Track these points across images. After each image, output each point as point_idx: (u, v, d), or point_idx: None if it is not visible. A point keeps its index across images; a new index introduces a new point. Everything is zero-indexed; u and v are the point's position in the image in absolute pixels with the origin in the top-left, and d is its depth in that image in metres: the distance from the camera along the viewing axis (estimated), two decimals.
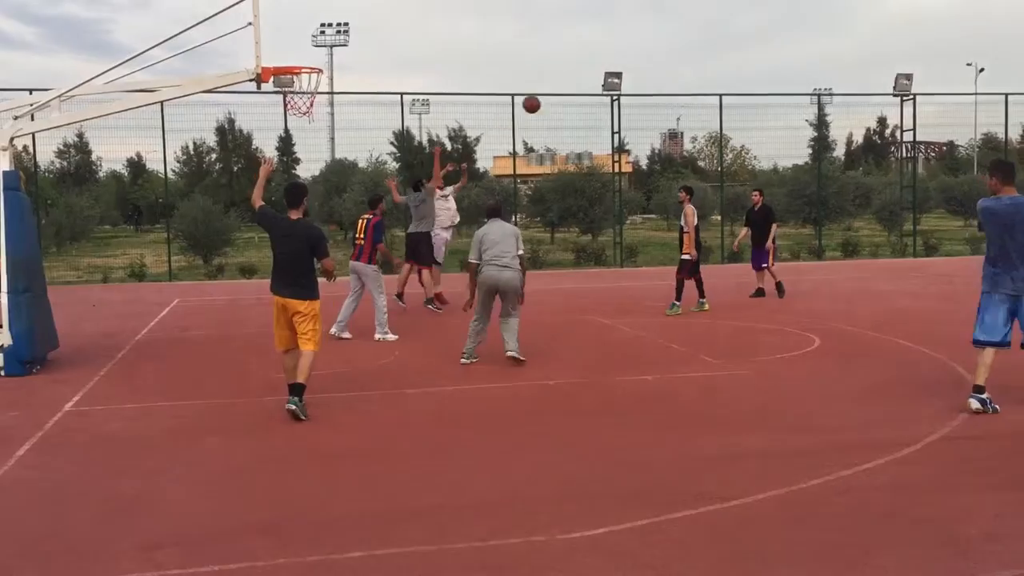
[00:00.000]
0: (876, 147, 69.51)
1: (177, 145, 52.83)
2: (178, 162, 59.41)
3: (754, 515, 4.96)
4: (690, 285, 13.46)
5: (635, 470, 5.85)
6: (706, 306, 13.53)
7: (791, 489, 5.33)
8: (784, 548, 4.49)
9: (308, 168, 38.38)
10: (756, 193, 15.92)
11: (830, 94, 38.66)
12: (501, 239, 9.56)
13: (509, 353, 9.46)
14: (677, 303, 13.22)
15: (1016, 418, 6.94)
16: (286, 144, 31.64)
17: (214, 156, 62.82)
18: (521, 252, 9.65)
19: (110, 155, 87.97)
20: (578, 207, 31.05)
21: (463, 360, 9.63)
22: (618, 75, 24.30)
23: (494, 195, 36.13)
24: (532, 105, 14.60)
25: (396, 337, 11.34)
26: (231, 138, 60.06)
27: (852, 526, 4.74)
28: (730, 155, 56.68)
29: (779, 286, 15.20)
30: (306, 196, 7.93)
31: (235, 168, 61.97)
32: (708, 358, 9.80)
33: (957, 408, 7.17)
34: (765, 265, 15.53)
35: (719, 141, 39.25)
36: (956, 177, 45.30)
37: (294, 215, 7.70)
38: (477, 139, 57.81)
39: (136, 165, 57.68)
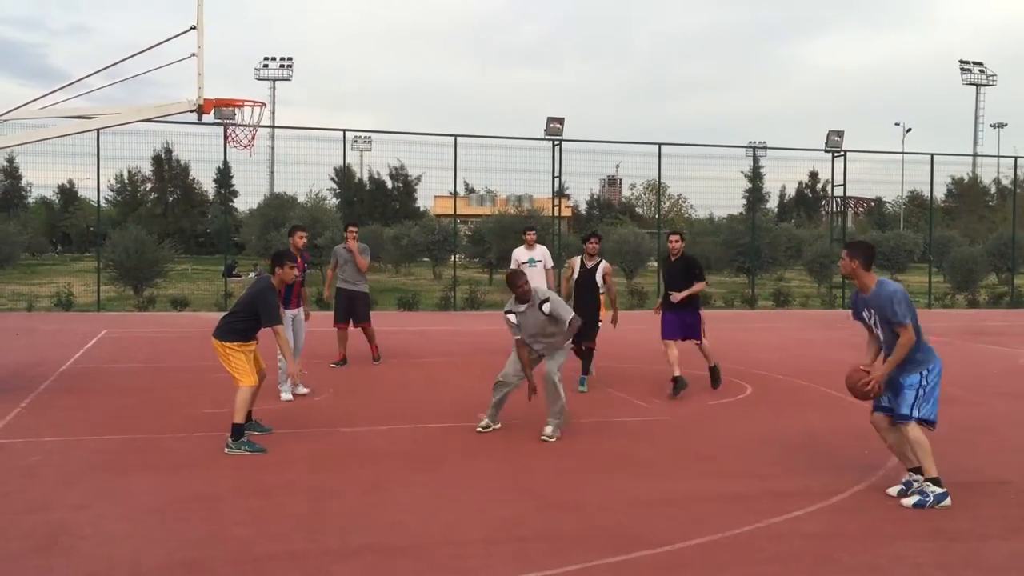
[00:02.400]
0: (807, 200, 71.43)
1: (111, 173, 52.08)
2: (112, 190, 58.54)
3: (686, 561, 4.99)
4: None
5: (566, 513, 5.85)
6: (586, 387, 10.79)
7: (723, 535, 5.38)
8: None
9: (246, 201, 38.00)
10: (674, 238, 11.06)
11: (764, 147, 39.81)
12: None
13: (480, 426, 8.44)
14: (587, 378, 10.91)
15: (941, 468, 7.10)
16: (224, 176, 31.33)
17: (149, 185, 61.93)
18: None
19: (41, 181, 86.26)
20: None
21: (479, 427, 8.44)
22: (560, 120, 24.63)
23: (433, 233, 36.34)
24: None
25: (308, 390, 10.30)
26: (167, 168, 59.34)
27: (784, 572, 4.80)
28: (667, 203, 57.67)
29: (714, 372, 10.73)
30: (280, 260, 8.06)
31: (170, 198, 61.16)
32: (641, 403, 9.88)
33: (884, 456, 7.33)
34: (696, 340, 11.31)
35: (657, 189, 39.95)
36: (883, 232, 46.68)
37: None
38: (418, 178, 58.21)
39: (67, 192, 56.57)
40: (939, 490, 6.12)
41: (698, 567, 4.89)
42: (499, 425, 8.41)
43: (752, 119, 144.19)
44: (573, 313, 8.36)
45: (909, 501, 6.14)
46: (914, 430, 6.22)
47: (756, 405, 9.96)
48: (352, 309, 12.58)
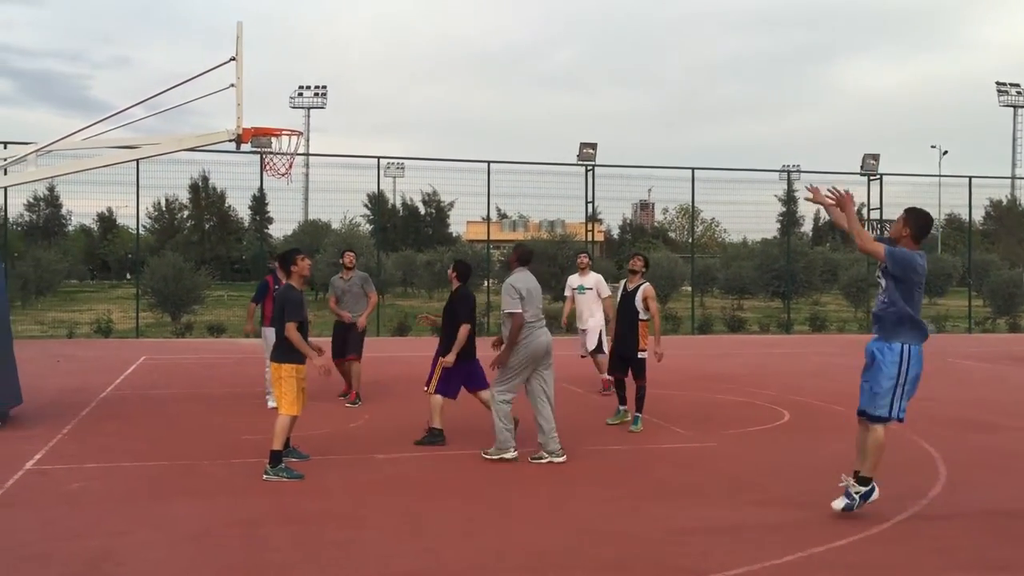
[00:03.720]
0: None
1: (150, 201, 52.88)
2: (149, 218, 59.43)
3: None
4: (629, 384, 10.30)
5: (608, 542, 5.80)
6: (629, 415, 10.11)
7: (764, 565, 5.31)
8: None
9: (281, 228, 38.47)
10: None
11: (799, 171, 39.52)
12: (538, 294, 8.31)
13: (559, 458, 8.12)
14: (626, 409, 10.21)
15: (980, 497, 6.98)
16: (260, 203, 31.68)
17: (186, 213, 62.82)
18: (608, 294, 9.44)
19: (80, 209, 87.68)
20: (550, 274, 31.19)
21: (530, 458, 8.15)
22: (593, 145, 24.73)
23: (465, 258, 36.43)
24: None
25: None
26: (204, 195, 60.19)
27: None
28: (701, 227, 57.49)
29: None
30: (288, 260, 7.95)
31: (207, 225, 61.98)
32: (679, 430, 9.80)
33: (926, 486, 7.22)
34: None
35: (691, 213, 39.84)
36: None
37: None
38: (451, 204, 58.47)
39: (106, 220, 57.53)
40: (864, 488, 6.25)
41: None
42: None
43: (786, 142, 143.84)
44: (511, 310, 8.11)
45: (839, 504, 6.26)
46: (882, 431, 6.29)
47: (795, 432, 9.85)
48: (345, 340, 11.39)
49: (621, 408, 10.32)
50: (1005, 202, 60.34)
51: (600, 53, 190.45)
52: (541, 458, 8.15)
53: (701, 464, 8.21)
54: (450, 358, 8.54)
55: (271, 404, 10.14)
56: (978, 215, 55.22)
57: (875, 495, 6.28)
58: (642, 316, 9.84)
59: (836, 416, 10.87)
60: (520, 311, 8.14)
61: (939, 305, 38.10)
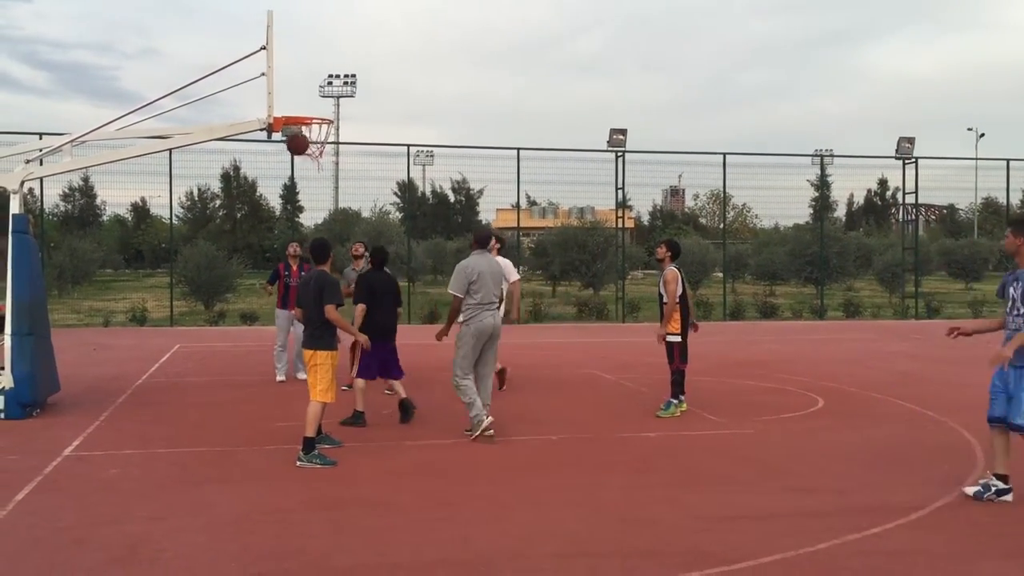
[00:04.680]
0: (877, 209, 70.05)
1: (182, 191, 53.31)
2: (182, 207, 59.92)
3: None
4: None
5: (640, 528, 5.78)
6: (680, 408, 9.85)
7: (799, 552, 5.26)
8: None
9: (312, 216, 38.57)
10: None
11: (831, 155, 39.08)
12: (492, 277, 8.66)
13: (488, 432, 8.37)
14: (675, 401, 9.84)
15: (1021, 483, 6.88)
16: (290, 192, 31.85)
17: (218, 202, 63.29)
18: (517, 278, 8.94)
19: (114, 199, 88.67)
20: (580, 261, 31.16)
21: (487, 433, 8.35)
22: (623, 132, 24.58)
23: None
24: (298, 146, 10.66)
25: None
26: (236, 185, 60.59)
27: None
28: (732, 213, 57.07)
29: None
30: (327, 250, 8.05)
31: (238, 215, 62.44)
32: (711, 416, 9.74)
33: (964, 472, 7.13)
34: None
35: (722, 199, 39.51)
36: (957, 240, 45.51)
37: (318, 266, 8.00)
38: (481, 191, 58.47)
39: (140, 210, 58.12)
40: (1003, 485, 6.38)
41: None
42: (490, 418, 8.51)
43: (818, 127, 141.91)
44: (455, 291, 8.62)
45: (971, 489, 6.43)
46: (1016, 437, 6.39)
47: (829, 418, 9.75)
48: None
49: (679, 398, 9.90)
50: None
51: (629, 39, 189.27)
52: (472, 432, 8.45)
53: (734, 451, 8.16)
54: (362, 339, 8.48)
55: (280, 378, 11.93)
56: (1016, 198, 54.25)
57: (1010, 496, 6.37)
58: (666, 300, 9.79)
59: (870, 403, 10.75)
60: (458, 295, 8.58)
61: (976, 290, 37.57)
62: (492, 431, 8.39)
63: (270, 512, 6.16)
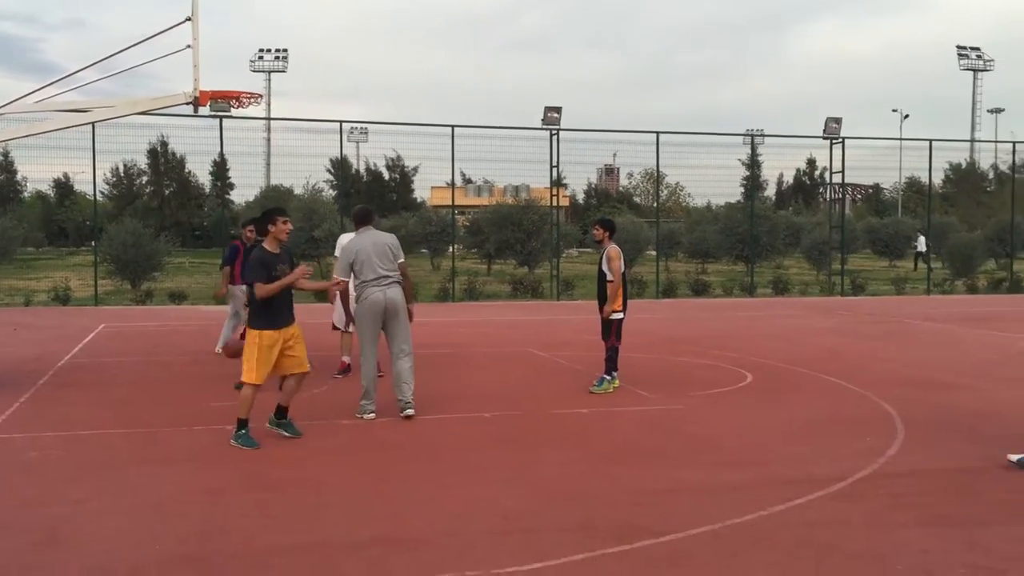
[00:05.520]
0: (805, 187, 71.42)
1: (107, 167, 51.84)
2: (107, 184, 58.37)
3: (690, 550, 4.98)
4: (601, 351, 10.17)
5: (572, 503, 5.84)
6: (613, 384, 9.89)
7: (726, 524, 5.37)
8: None
9: (242, 194, 38.01)
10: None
11: (762, 135, 39.72)
12: (376, 253, 8.33)
13: (406, 412, 8.31)
14: (609, 377, 9.89)
15: (938, 455, 7.12)
16: (220, 169, 31.22)
17: (145, 179, 61.77)
18: (402, 260, 8.50)
19: (36, 175, 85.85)
20: (515, 239, 31.16)
21: (366, 416, 8.31)
22: (557, 109, 24.60)
23: (430, 224, 36.24)
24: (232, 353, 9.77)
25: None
26: (163, 161, 59.21)
27: (787, 561, 4.79)
28: (665, 192, 57.62)
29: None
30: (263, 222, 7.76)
31: (167, 191, 61.04)
32: (644, 392, 9.86)
33: (884, 444, 7.35)
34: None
35: (656, 178, 39.85)
36: (882, 219, 46.71)
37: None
38: (415, 169, 58.19)
39: (63, 186, 56.42)
40: None
41: (702, 556, 4.88)
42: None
43: (750, 107, 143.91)
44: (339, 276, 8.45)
45: (1015, 456, 6.71)
46: None
47: (757, 393, 9.95)
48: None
49: (612, 374, 10.00)
50: (964, 165, 61.18)
51: (567, 18, 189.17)
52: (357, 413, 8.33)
53: (665, 426, 8.28)
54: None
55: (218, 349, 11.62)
56: (938, 178, 55.90)
57: None
58: (609, 278, 9.85)
59: (797, 378, 11.00)
60: (343, 279, 8.44)
61: (898, 267, 38.67)
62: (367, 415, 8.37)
63: (197, 493, 6.06)
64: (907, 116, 70.11)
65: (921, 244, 37.77)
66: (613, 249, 9.88)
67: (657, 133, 26.07)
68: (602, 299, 9.98)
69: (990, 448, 7.30)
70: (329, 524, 5.40)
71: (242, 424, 7.35)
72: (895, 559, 4.81)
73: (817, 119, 27.18)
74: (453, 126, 24.43)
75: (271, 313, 7.37)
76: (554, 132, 24.90)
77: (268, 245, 7.49)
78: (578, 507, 5.76)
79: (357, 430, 8.03)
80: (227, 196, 34.00)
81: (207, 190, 56.85)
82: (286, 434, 7.53)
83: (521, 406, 9.13)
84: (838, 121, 26.63)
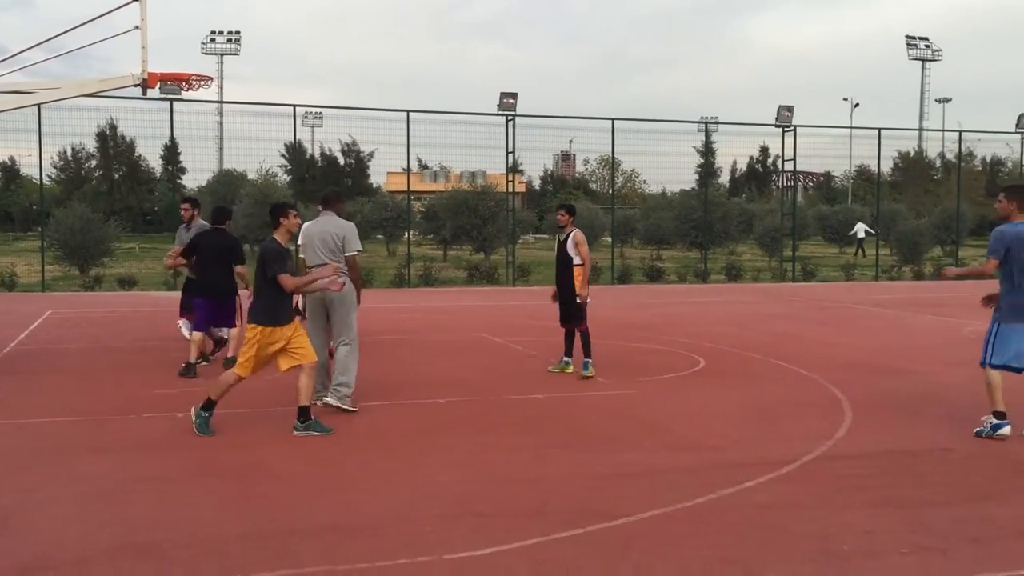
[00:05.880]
0: (758, 175, 72.23)
1: (54, 150, 50.79)
2: (55, 167, 57.20)
3: (641, 532, 5.04)
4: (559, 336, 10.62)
5: (524, 489, 5.87)
6: (567, 369, 10.29)
7: (678, 507, 5.44)
8: (672, 565, 4.57)
9: (195, 178, 37.35)
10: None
11: (716, 122, 40.08)
12: (321, 241, 8.16)
13: (323, 399, 8.07)
14: (591, 360, 10.11)
15: (884, 437, 7.28)
16: (172, 153, 30.73)
17: (94, 163, 60.59)
18: (352, 252, 8.17)
19: None
20: (471, 225, 31.14)
21: (317, 402, 7.99)
22: (513, 95, 24.58)
23: (386, 210, 36.02)
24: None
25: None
26: (112, 144, 58.10)
27: (737, 543, 4.87)
28: (621, 178, 57.92)
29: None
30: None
31: (116, 176, 59.93)
32: (598, 377, 9.93)
33: (832, 427, 7.49)
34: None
35: (611, 164, 40.04)
36: (832, 206, 47.41)
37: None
38: (371, 154, 57.75)
39: (8, 169, 55.18)
40: (996, 421, 7.17)
41: (653, 539, 4.94)
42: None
43: (705, 95, 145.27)
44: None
45: (977, 429, 7.27)
46: None
47: (709, 378, 10.08)
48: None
49: (566, 359, 10.34)
50: (912, 154, 62.24)
51: (524, 5, 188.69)
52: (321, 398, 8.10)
53: (618, 411, 8.35)
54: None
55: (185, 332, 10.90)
56: (887, 166, 56.86)
57: (1005, 430, 7.16)
58: (576, 262, 10.00)
59: (748, 362, 11.15)
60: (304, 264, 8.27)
61: (847, 254, 39.29)
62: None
63: (149, 481, 5.99)
64: (857, 105, 71.30)
65: (860, 231, 38.54)
66: (580, 234, 10.11)
67: (612, 120, 26.20)
68: (566, 284, 10.06)
69: (935, 430, 7.49)
70: (281, 511, 5.37)
71: (209, 405, 7.24)
72: (841, 540, 4.92)
73: (770, 107, 27.46)
74: (408, 111, 24.33)
75: (278, 310, 7.31)
76: (510, 118, 24.88)
77: (280, 238, 7.44)
78: (531, 492, 5.80)
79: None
80: (179, 180, 33.41)
81: (158, 174, 55.96)
82: (316, 433, 7.25)
83: (476, 392, 9.15)
84: (790, 109, 26.95)
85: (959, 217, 31.85)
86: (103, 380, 9.72)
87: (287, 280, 7.26)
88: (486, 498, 5.67)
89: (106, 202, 48.00)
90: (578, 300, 10.04)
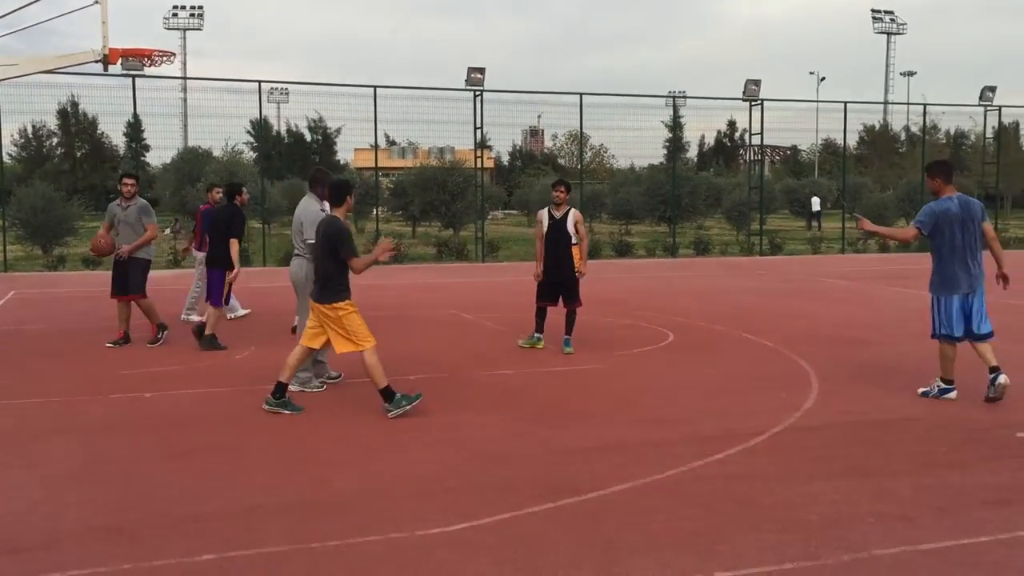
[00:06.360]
0: (726, 149, 72.57)
1: (14, 128, 49.92)
2: (15, 145, 56.21)
3: (612, 506, 5.07)
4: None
5: (495, 464, 5.89)
6: (538, 344, 10.30)
7: (648, 480, 5.48)
8: (642, 537, 4.60)
9: (159, 155, 36.94)
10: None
11: (684, 97, 40.10)
12: (295, 225, 8.39)
13: (308, 386, 8.12)
14: (540, 337, 10.29)
15: (851, 408, 7.37)
16: (135, 130, 30.23)
17: (55, 140, 59.61)
18: (310, 239, 7.90)
19: None
20: (440, 201, 31.03)
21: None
22: (481, 70, 24.42)
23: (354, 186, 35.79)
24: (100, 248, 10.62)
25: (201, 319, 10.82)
26: (74, 121, 57.19)
27: (706, 515, 4.91)
28: (589, 153, 57.87)
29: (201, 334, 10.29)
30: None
31: (79, 153, 59.03)
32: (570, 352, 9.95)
33: (800, 399, 7.57)
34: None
35: (579, 139, 39.99)
36: (799, 180, 47.72)
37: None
38: (338, 131, 57.32)
39: None
40: (944, 386, 7.61)
41: (624, 512, 4.97)
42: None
43: (672, 70, 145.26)
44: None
45: (922, 389, 7.75)
46: None
47: (678, 351, 10.14)
48: (126, 277, 10.48)
49: (537, 335, 10.27)
50: (878, 127, 62.77)
51: None
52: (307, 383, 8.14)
53: (588, 385, 8.38)
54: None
55: (193, 317, 11.26)
56: (852, 140, 57.30)
57: (952, 394, 7.55)
58: (574, 240, 10.07)
59: (717, 336, 11.23)
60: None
61: (813, 227, 39.62)
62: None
63: (116, 462, 5.93)
64: (823, 79, 71.75)
65: (815, 204, 38.92)
66: (578, 212, 10.28)
67: (580, 95, 26.12)
68: (563, 262, 10.02)
69: (900, 401, 7.59)
70: (250, 490, 5.34)
71: (389, 394, 7.11)
72: (808, 510, 4.98)
73: (737, 82, 27.53)
74: (376, 87, 24.15)
75: (348, 282, 7.23)
76: (478, 93, 24.74)
77: (341, 215, 7.31)
78: (502, 467, 5.81)
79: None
80: (142, 158, 32.94)
81: (121, 152, 55.09)
82: (286, 412, 7.18)
83: (446, 368, 9.14)
84: (757, 83, 27.02)
85: (923, 190, 32.14)
86: (67, 361, 9.60)
87: (357, 263, 7.14)
88: (456, 474, 5.67)
89: (68, 180, 47.34)
90: (578, 275, 10.12)
